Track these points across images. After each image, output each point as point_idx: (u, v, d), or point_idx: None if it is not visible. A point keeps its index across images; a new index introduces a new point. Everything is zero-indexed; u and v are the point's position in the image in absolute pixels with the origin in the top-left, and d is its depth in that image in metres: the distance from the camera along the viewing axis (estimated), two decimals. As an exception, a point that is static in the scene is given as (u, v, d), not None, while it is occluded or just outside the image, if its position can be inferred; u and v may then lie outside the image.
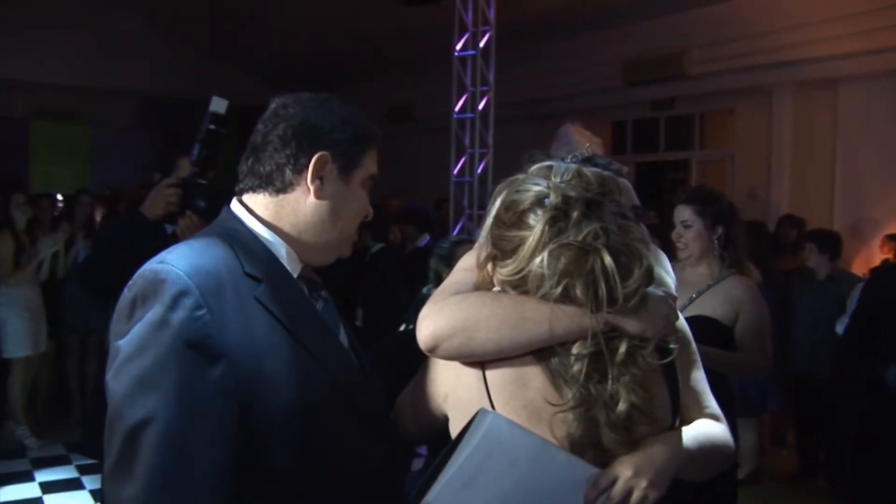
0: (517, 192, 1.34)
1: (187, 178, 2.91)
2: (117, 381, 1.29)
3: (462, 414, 1.37)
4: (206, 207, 2.88)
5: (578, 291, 1.27)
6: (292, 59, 11.06)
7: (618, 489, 1.27)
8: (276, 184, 1.49)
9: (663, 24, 7.93)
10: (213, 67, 11.26)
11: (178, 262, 1.34)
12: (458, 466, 1.28)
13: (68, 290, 6.30)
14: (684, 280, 3.18)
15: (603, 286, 1.26)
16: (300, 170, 1.48)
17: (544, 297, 1.29)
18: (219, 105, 2.67)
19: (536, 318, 1.30)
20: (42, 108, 10.74)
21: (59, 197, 7.54)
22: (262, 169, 1.49)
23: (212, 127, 2.72)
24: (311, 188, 1.48)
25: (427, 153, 9.46)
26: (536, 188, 1.32)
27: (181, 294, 1.30)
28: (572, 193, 1.30)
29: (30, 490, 5.23)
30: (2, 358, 6.02)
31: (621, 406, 1.28)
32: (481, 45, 6.99)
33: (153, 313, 1.29)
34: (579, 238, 1.27)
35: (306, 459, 1.36)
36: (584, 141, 7.67)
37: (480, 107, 7.03)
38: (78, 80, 10.38)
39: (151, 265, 1.35)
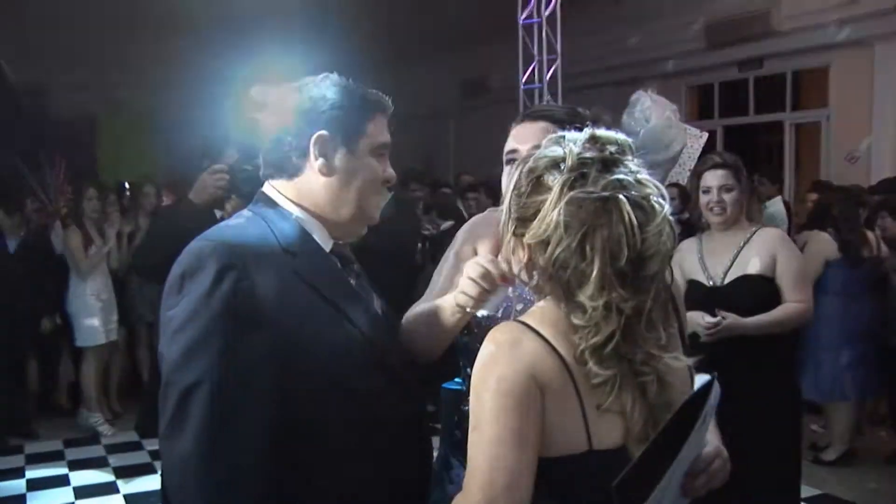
0: (533, 161, 1.34)
1: (233, 165, 3.02)
2: (170, 349, 1.42)
3: None
4: (250, 192, 2.92)
5: (598, 242, 1.23)
6: (362, 37, 10.98)
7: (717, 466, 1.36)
8: (288, 170, 1.60)
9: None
10: (282, 45, 11.24)
11: (221, 238, 1.49)
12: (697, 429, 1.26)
13: (136, 280, 6.37)
14: (716, 246, 3.36)
15: (624, 237, 1.23)
16: (303, 153, 1.57)
17: (565, 250, 1.26)
18: (260, 94, 2.66)
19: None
20: (110, 99, 10.94)
21: (127, 185, 7.63)
22: (271, 158, 1.62)
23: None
24: (317, 167, 1.57)
25: (500, 125, 9.20)
26: (552, 154, 1.32)
27: (226, 268, 1.42)
28: (588, 154, 1.29)
29: (104, 476, 5.32)
30: (75, 347, 6.18)
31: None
32: (546, 12, 6.69)
33: (200, 286, 1.42)
34: (598, 191, 1.26)
35: (343, 417, 1.48)
36: (657, 108, 7.27)
37: (548, 76, 6.74)
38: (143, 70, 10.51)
39: (197, 242, 1.49)
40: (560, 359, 1.26)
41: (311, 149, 1.57)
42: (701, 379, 1.37)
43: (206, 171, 3.04)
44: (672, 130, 7.01)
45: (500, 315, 1.77)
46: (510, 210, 1.35)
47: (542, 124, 1.83)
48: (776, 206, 6.65)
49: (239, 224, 1.58)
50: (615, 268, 1.23)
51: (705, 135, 7.20)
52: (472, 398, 1.28)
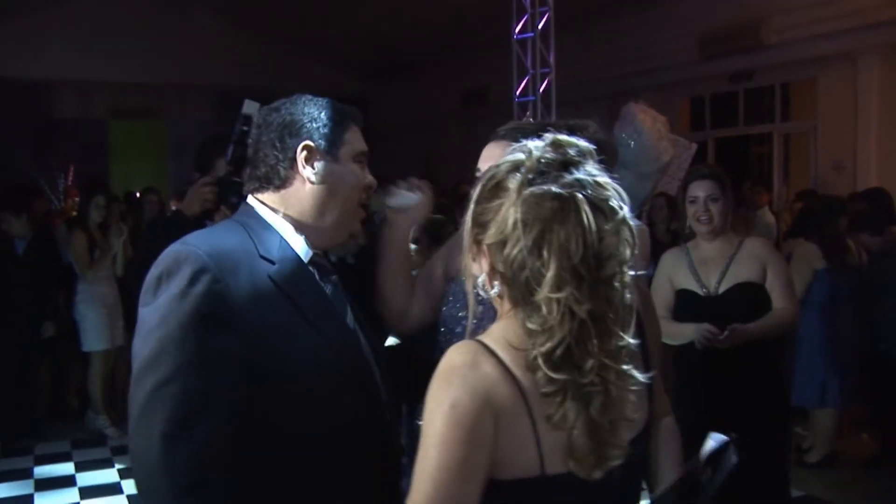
0: (493, 168, 1.34)
1: (222, 177, 3.02)
2: (144, 346, 1.46)
3: None
4: (238, 203, 2.98)
5: (555, 240, 1.21)
6: (367, 50, 11.14)
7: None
8: (274, 182, 1.66)
9: (739, -7, 7.61)
10: (287, 59, 11.45)
11: (198, 243, 1.52)
12: None
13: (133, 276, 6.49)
14: (707, 256, 3.39)
15: (582, 235, 1.22)
16: (291, 164, 1.65)
17: (522, 249, 1.23)
18: (250, 107, 2.79)
19: None
20: (120, 107, 11.10)
21: (138, 194, 7.80)
22: (259, 172, 1.68)
23: (244, 128, 2.86)
24: (305, 176, 1.64)
25: (498, 137, 9.34)
26: (512, 158, 1.31)
27: (200, 271, 1.46)
28: (548, 156, 1.28)
29: (109, 476, 5.45)
30: (81, 351, 6.28)
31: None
32: (540, 26, 6.84)
33: (175, 287, 1.46)
34: (556, 188, 1.24)
35: (310, 424, 1.52)
36: (647, 119, 7.42)
37: (542, 89, 6.89)
38: (154, 77, 10.71)
39: (175, 246, 1.53)
40: (516, 384, 1.23)
41: (299, 159, 1.64)
42: (716, 439, 1.39)
43: (196, 183, 3.09)
44: (662, 142, 7.14)
45: (459, 330, 1.85)
46: (471, 218, 1.33)
47: (507, 144, 1.76)
48: (765, 216, 6.79)
49: (219, 230, 1.64)
50: (571, 267, 1.20)
51: (694, 146, 7.32)
52: (425, 416, 1.24)
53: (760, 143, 8.77)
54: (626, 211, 1.26)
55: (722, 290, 3.29)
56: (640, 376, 1.27)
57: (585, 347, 1.22)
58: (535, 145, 1.30)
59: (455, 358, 1.25)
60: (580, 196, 1.23)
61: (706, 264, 3.36)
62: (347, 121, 1.72)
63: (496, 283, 1.31)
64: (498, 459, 1.22)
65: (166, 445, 1.39)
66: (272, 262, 1.56)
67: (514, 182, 1.27)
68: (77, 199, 6.75)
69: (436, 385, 1.24)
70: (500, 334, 1.29)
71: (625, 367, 1.25)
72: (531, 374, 1.23)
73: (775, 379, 3.38)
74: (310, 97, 1.72)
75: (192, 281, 1.45)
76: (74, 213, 6.56)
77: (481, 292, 1.34)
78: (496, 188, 1.30)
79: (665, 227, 6.60)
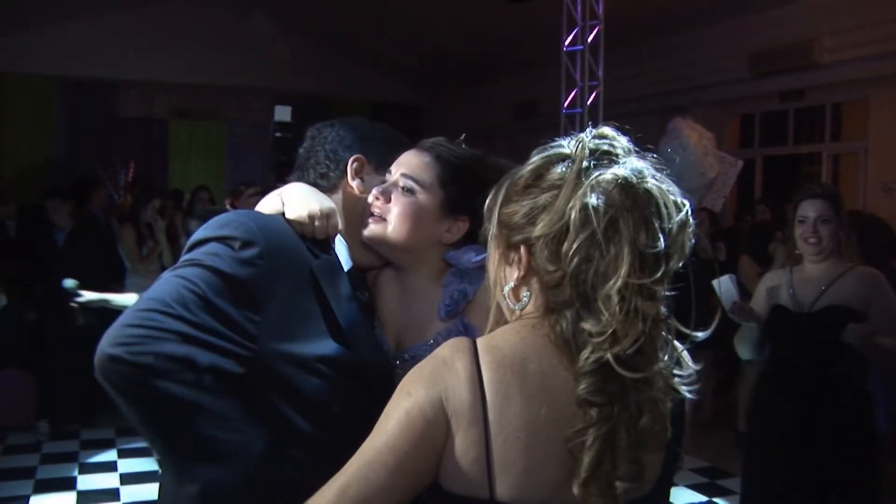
0: (523, 167, 1.23)
1: (267, 186, 3.11)
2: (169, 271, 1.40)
3: None
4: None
5: (628, 227, 1.11)
6: (422, 60, 11.27)
7: None
8: (322, 186, 1.70)
9: (792, 11, 7.53)
10: (344, 65, 11.65)
11: (252, 219, 1.48)
12: None
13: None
14: (809, 276, 3.25)
15: (656, 223, 1.12)
16: (341, 174, 1.71)
17: (589, 240, 1.11)
18: (282, 114, 2.92)
19: None
20: (181, 107, 11.41)
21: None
22: (308, 179, 1.73)
23: (277, 135, 2.98)
24: (354, 186, 1.70)
25: (548, 146, 9.38)
26: (552, 151, 1.22)
27: (248, 243, 1.42)
28: (600, 148, 1.19)
29: (149, 464, 5.63)
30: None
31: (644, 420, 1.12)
32: (589, 39, 6.88)
33: (219, 247, 1.41)
34: (622, 173, 1.14)
35: (326, 426, 1.45)
36: (693, 135, 7.42)
37: (589, 102, 6.92)
38: (215, 79, 10.98)
39: (229, 214, 1.50)
40: (480, 393, 1.13)
41: (350, 169, 1.71)
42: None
43: (243, 195, 3.21)
44: (708, 158, 7.13)
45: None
46: (496, 221, 1.23)
47: (426, 158, 1.72)
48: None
49: (275, 216, 1.57)
50: (643, 258, 1.10)
51: (740, 163, 7.29)
52: (395, 392, 1.18)
53: (809, 162, 8.65)
54: (689, 206, 1.16)
55: (816, 308, 3.18)
56: (684, 389, 1.18)
57: (650, 352, 1.12)
58: (584, 136, 1.21)
59: (442, 349, 1.18)
60: (651, 183, 1.14)
61: (806, 283, 3.25)
62: (398, 145, 1.77)
63: (525, 290, 1.21)
64: (444, 467, 1.14)
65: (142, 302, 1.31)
66: (316, 257, 1.53)
67: (562, 171, 1.18)
68: (132, 195, 6.99)
69: (415, 369, 1.18)
70: (500, 337, 1.19)
71: (678, 372, 1.17)
72: (540, 383, 1.13)
73: (862, 408, 3.21)
74: (365, 119, 1.82)
75: (239, 248, 1.41)
76: (128, 208, 6.79)
77: (509, 304, 1.23)
78: (534, 182, 1.20)
79: (707, 241, 6.59)
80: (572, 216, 1.12)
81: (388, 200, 1.68)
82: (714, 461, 5.88)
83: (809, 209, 3.20)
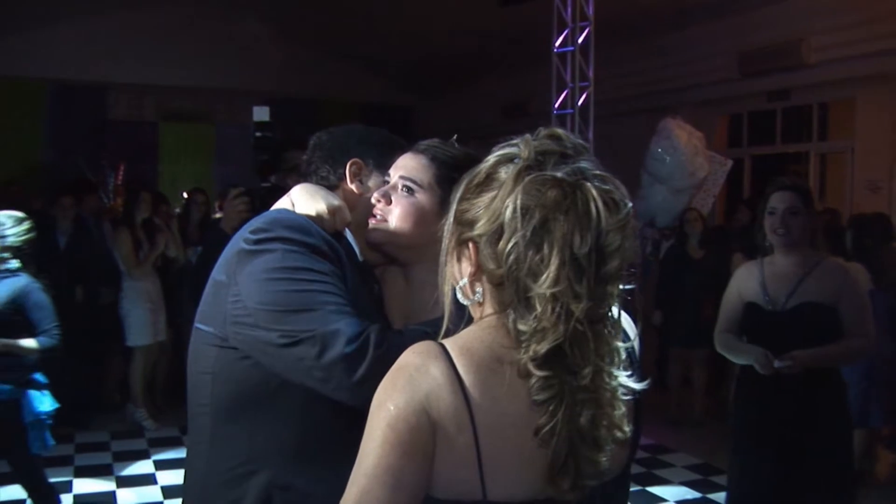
0: (481, 165, 1.24)
1: (251, 187, 3.13)
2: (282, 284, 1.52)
3: None
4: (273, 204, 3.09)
5: (559, 229, 1.11)
6: (413, 61, 11.28)
7: None
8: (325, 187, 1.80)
9: (779, 12, 7.59)
10: (334, 67, 11.65)
11: (290, 215, 1.65)
12: None
13: (187, 285, 6.67)
14: (780, 272, 3.29)
15: (588, 224, 1.12)
16: (340, 177, 1.82)
17: (521, 240, 1.13)
18: (261, 114, 2.92)
19: None
20: (171, 110, 11.42)
21: (185, 195, 8.01)
22: (313, 178, 1.84)
23: (258, 134, 2.98)
24: (353, 188, 1.81)
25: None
26: (504, 151, 1.22)
27: (305, 229, 1.58)
28: (547, 148, 1.19)
29: (146, 467, 5.64)
30: (125, 346, 6.49)
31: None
32: (580, 40, 6.93)
33: (285, 244, 1.55)
34: (560, 174, 1.15)
35: (327, 425, 1.56)
36: (683, 135, 7.49)
37: (580, 102, 6.97)
38: (204, 82, 10.99)
39: (270, 213, 1.68)
40: (463, 393, 1.12)
41: (348, 172, 1.81)
42: None
43: (228, 196, 3.20)
44: (698, 158, 7.21)
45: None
46: (453, 217, 1.24)
47: (422, 160, 1.78)
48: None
49: (301, 216, 1.68)
50: (574, 261, 1.10)
51: (729, 162, 7.37)
52: (370, 413, 1.16)
53: (797, 161, 8.72)
54: (629, 207, 1.17)
55: (789, 306, 3.21)
56: (634, 385, 1.19)
57: (581, 350, 1.13)
58: (530, 137, 1.22)
59: (408, 357, 1.17)
60: (587, 184, 1.14)
61: (777, 279, 3.28)
62: (396, 148, 1.83)
63: (478, 286, 1.22)
64: (435, 474, 1.13)
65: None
66: (339, 243, 1.66)
67: (509, 171, 1.18)
68: (123, 197, 6.99)
69: (383, 383, 1.16)
70: (468, 339, 1.19)
71: (619, 373, 1.17)
72: (520, 381, 1.14)
73: (840, 396, 3.29)
74: (362, 125, 1.92)
75: (301, 234, 1.57)
76: (121, 210, 6.77)
77: (462, 300, 1.26)
78: (485, 181, 1.21)
79: (697, 240, 6.65)
80: (506, 216, 1.14)
81: (389, 202, 1.75)
82: (706, 458, 5.92)
83: (779, 201, 3.23)
